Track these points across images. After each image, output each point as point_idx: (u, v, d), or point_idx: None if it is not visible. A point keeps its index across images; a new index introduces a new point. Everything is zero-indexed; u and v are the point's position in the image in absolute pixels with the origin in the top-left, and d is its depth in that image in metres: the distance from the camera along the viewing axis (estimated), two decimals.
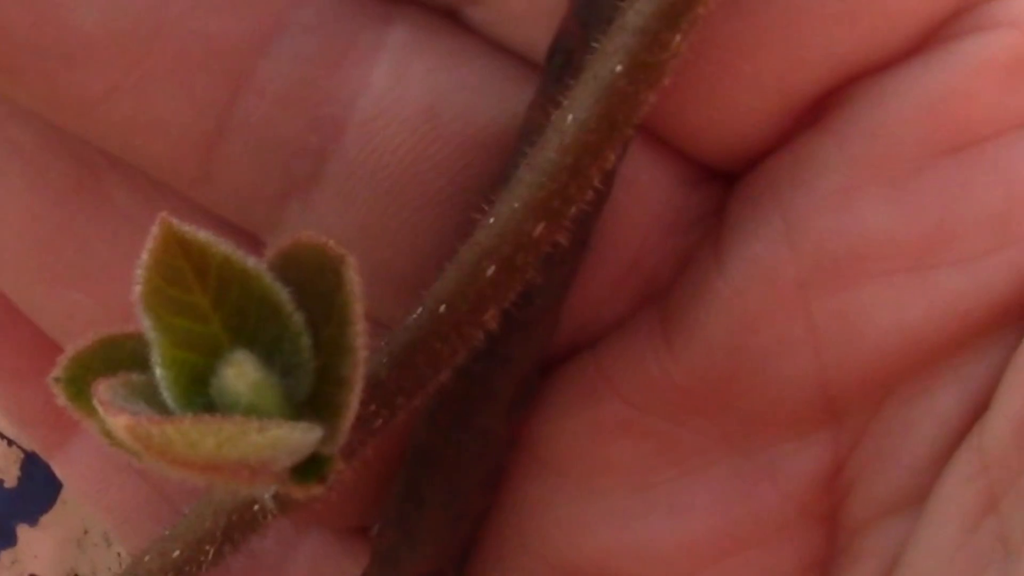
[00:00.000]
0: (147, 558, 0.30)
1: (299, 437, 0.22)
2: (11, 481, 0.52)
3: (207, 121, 0.28)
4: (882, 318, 0.26)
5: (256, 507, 0.28)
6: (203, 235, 0.23)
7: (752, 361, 0.27)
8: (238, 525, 0.29)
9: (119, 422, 0.22)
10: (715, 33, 0.25)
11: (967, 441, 0.26)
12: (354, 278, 0.23)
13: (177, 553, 0.30)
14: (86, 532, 0.52)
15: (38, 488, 0.45)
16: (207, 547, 0.29)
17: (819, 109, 0.27)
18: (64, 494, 0.51)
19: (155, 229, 0.23)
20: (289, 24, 0.27)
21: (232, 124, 0.28)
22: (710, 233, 0.28)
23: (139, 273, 0.23)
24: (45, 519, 0.52)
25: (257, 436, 0.22)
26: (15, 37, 0.27)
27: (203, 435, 0.21)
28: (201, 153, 0.28)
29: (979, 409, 0.26)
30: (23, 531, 0.53)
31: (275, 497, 0.26)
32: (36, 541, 0.53)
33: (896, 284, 0.26)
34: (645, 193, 0.28)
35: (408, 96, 0.27)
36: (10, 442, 0.51)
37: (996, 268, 0.26)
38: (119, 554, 0.53)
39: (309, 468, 0.24)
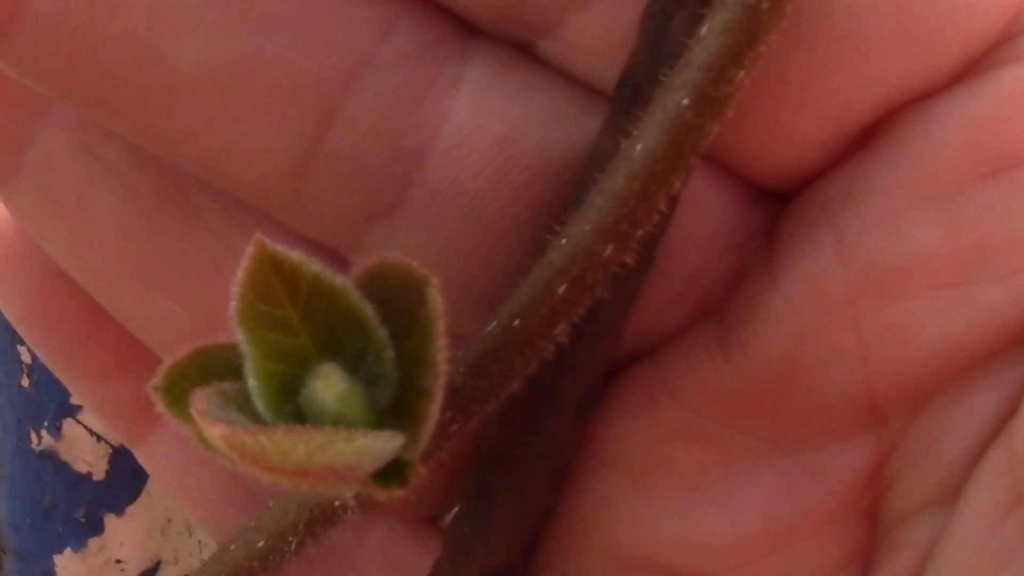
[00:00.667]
0: (233, 547, 0.32)
1: (383, 445, 0.24)
2: (99, 474, 0.53)
3: (297, 152, 0.29)
4: (926, 330, 0.28)
5: (337, 503, 0.30)
6: (295, 255, 0.24)
7: (803, 370, 0.28)
8: (320, 519, 0.30)
9: (215, 432, 0.23)
10: (773, 64, 0.26)
11: (998, 441, 0.28)
12: (437, 297, 0.24)
13: (262, 543, 0.31)
14: (169, 521, 0.53)
15: (124, 480, 0.46)
16: (290, 539, 0.31)
17: (869, 134, 0.28)
18: (149, 486, 0.53)
19: (250, 249, 0.24)
20: (374, 61, 0.29)
21: (321, 155, 0.29)
22: (764, 250, 0.29)
23: (234, 290, 0.24)
24: (131, 509, 0.54)
25: (344, 444, 0.23)
26: (117, 77, 0.28)
27: (294, 444, 0.23)
28: (291, 181, 0.29)
29: (1011, 412, 0.28)
30: (110, 520, 0.54)
31: (357, 497, 0.27)
32: (122, 529, 0.54)
33: (940, 298, 0.27)
34: (704, 213, 0.29)
35: (486, 127, 0.29)
36: (99, 438, 0.52)
37: None
38: (200, 541, 0.54)
39: (390, 472, 0.25)
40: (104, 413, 0.35)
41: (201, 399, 0.24)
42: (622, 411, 0.30)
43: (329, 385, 0.24)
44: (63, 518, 0.54)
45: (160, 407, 0.25)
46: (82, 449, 0.50)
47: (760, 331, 0.29)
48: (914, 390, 0.28)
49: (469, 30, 0.30)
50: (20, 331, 0.35)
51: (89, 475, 0.54)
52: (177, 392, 0.26)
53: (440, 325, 0.24)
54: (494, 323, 0.27)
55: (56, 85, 0.29)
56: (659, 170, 0.25)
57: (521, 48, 0.29)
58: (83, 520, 0.54)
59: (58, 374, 0.35)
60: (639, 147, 0.25)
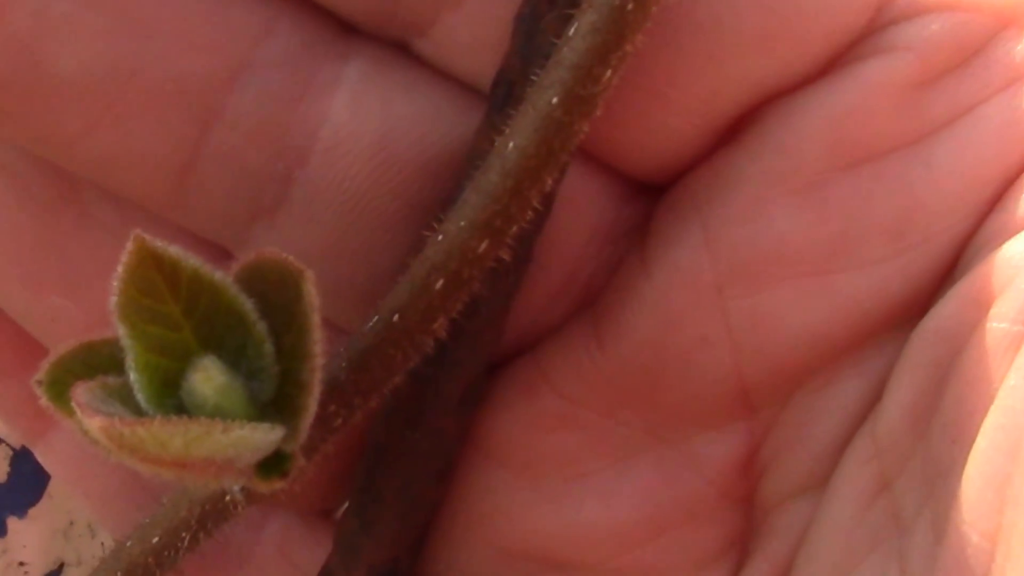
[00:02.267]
0: (129, 543, 0.32)
1: (261, 437, 0.24)
2: (1, 476, 0.53)
3: (181, 153, 0.30)
4: (791, 318, 0.28)
5: (227, 498, 0.30)
6: (174, 250, 0.25)
7: (675, 357, 0.29)
8: (211, 514, 0.30)
9: (94, 423, 0.23)
10: (641, 62, 0.27)
11: (863, 428, 0.28)
12: (312, 291, 0.25)
13: (157, 539, 0.31)
14: (72, 523, 0.53)
15: (26, 482, 0.46)
16: (184, 534, 0.31)
17: (736, 128, 0.29)
18: (50, 488, 0.53)
19: (129, 244, 0.24)
20: (254, 61, 0.29)
21: (204, 155, 0.30)
22: (638, 241, 0.30)
23: (115, 284, 0.25)
24: (33, 511, 0.53)
25: (222, 436, 0.24)
26: None
27: (172, 435, 0.23)
28: (175, 181, 0.30)
29: (876, 400, 0.28)
30: (12, 523, 0.54)
31: (243, 490, 0.28)
32: (25, 532, 0.54)
33: (803, 287, 0.28)
34: (581, 209, 0.30)
35: (364, 127, 0.29)
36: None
37: (892, 273, 0.28)
38: (103, 544, 0.54)
39: (272, 464, 0.26)
40: (2, 412, 0.35)
41: (82, 392, 0.24)
42: (503, 403, 0.31)
43: (208, 378, 0.25)
44: None
45: (44, 401, 0.26)
46: None
47: (632, 319, 0.29)
48: (782, 378, 0.29)
49: (347, 30, 0.30)
50: None
51: None
52: (61, 387, 0.26)
53: (316, 319, 0.25)
54: (375, 319, 0.27)
55: None
56: (531, 167, 0.25)
57: (399, 47, 0.30)
58: None
59: None
60: (511, 145, 0.25)
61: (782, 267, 0.28)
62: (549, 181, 0.26)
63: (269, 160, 0.30)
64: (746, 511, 0.30)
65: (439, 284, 0.26)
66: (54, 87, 0.29)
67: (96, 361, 0.26)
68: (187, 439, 0.23)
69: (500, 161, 0.26)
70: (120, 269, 0.25)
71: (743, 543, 0.31)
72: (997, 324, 0.26)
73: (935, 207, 0.28)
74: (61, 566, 0.55)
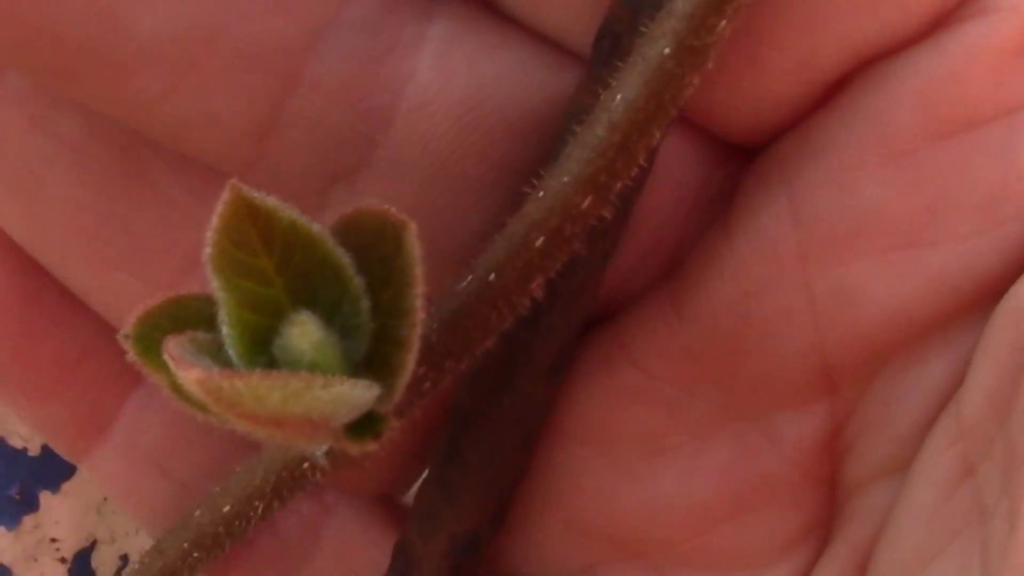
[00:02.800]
0: (198, 513, 0.32)
1: (359, 394, 0.23)
2: (34, 450, 0.52)
3: (261, 115, 0.29)
4: (877, 292, 0.27)
5: (305, 465, 0.29)
6: (271, 201, 0.24)
7: (755, 329, 0.28)
8: (287, 482, 0.30)
9: (190, 376, 0.22)
10: (742, 23, 0.26)
11: (947, 410, 0.28)
12: (415, 243, 0.24)
13: (228, 508, 0.31)
14: (106, 499, 0.52)
15: (60, 456, 0.45)
16: (256, 503, 0.30)
17: (832, 91, 0.28)
18: None
19: (225, 194, 0.24)
20: (337, 22, 0.28)
21: (285, 117, 0.29)
22: (723, 207, 0.29)
23: (209, 236, 0.24)
24: (67, 486, 0.53)
25: (321, 392, 0.23)
26: (75, 44, 0.28)
27: (270, 389, 0.22)
28: (254, 143, 0.29)
29: (961, 380, 0.27)
30: (45, 498, 0.53)
31: (327, 454, 0.27)
32: (57, 507, 0.53)
33: (891, 260, 0.27)
34: (668, 172, 0.29)
35: (451, 86, 0.28)
36: None
37: (986, 247, 0.27)
38: None
39: (363, 425, 0.25)
40: (45, 432, 0.35)
41: (175, 346, 0.24)
42: (581, 376, 0.30)
43: (305, 332, 0.24)
44: None
45: (131, 356, 0.25)
46: (17, 423, 0.48)
47: (711, 288, 0.29)
48: (867, 356, 0.28)
49: None
50: None
51: (24, 450, 0.52)
52: (148, 341, 0.25)
53: (418, 272, 0.24)
54: (469, 278, 0.27)
55: (11, 55, 0.29)
56: (640, 120, 0.25)
57: (484, 3, 0.29)
58: (18, 497, 0.53)
59: None
60: (619, 97, 0.25)
61: (869, 238, 0.27)
62: (657, 135, 0.25)
63: (352, 122, 0.29)
64: (829, 494, 0.30)
65: (539, 242, 0.26)
66: (131, 51, 0.28)
67: (184, 316, 0.25)
68: (286, 394, 0.23)
69: (607, 114, 0.25)
70: (214, 219, 0.24)
71: (826, 526, 0.30)
72: None
73: None
74: (94, 543, 0.54)
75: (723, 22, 0.24)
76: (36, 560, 0.53)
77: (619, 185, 0.25)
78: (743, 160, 0.29)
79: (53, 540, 0.53)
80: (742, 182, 0.29)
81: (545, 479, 0.31)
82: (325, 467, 0.28)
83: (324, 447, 0.27)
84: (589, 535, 0.31)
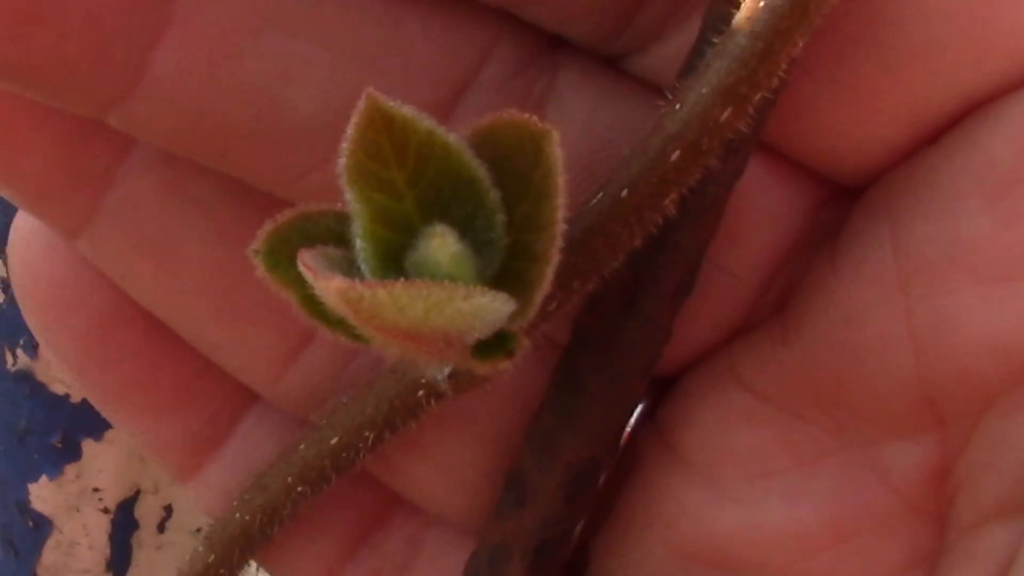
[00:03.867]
0: (302, 447, 0.31)
1: (499, 307, 0.23)
2: (77, 396, 0.52)
3: None
4: (976, 324, 0.27)
5: (420, 393, 0.29)
6: (407, 110, 0.24)
7: (857, 356, 0.28)
8: (400, 410, 0.29)
9: (331, 286, 0.22)
10: (848, 70, 0.27)
11: None
12: (557, 152, 0.23)
13: (336, 440, 0.30)
14: None
15: None
16: (367, 433, 0.30)
17: (940, 132, 0.28)
18: None
19: (360, 104, 0.23)
20: (475, 83, 0.29)
21: None
22: (831, 239, 0.29)
23: (343, 147, 0.24)
24: (109, 434, 0.52)
25: (462, 303, 0.22)
26: (236, 129, 0.28)
27: (413, 299, 0.22)
28: None
29: None
30: (88, 446, 0.52)
31: (451, 376, 0.27)
32: (100, 456, 0.52)
33: (990, 293, 0.27)
34: (784, 213, 0.29)
35: (570, 133, 0.28)
36: None
37: None
38: None
39: (493, 345, 0.24)
40: (156, 451, 0.35)
41: (311, 257, 0.23)
42: (692, 398, 0.31)
43: (443, 245, 0.24)
44: (39, 444, 0.52)
45: (260, 271, 0.25)
46: (59, 369, 0.48)
47: (815, 314, 0.29)
48: (972, 391, 0.28)
49: (559, 42, 0.30)
50: (73, 374, 0.34)
51: (67, 397, 0.52)
52: (277, 257, 0.25)
53: (559, 182, 0.24)
54: (600, 195, 0.26)
55: (171, 140, 0.29)
56: (784, 28, 0.24)
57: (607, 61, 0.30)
58: (59, 445, 0.52)
59: (109, 414, 0.35)
60: (762, 4, 0.24)
61: (968, 270, 0.27)
62: (800, 44, 0.24)
63: None
64: (937, 528, 0.29)
65: (675, 155, 0.25)
66: (290, 128, 0.28)
67: (314, 232, 0.25)
68: (428, 304, 0.22)
69: (750, 22, 0.24)
70: (350, 130, 0.24)
71: (931, 563, 0.29)
72: None
73: None
74: (137, 493, 0.53)
75: None
76: (78, 511, 0.53)
77: (759, 97, 0.25)
78: (852, 200, 0.29)
79: (96, 490, 0.53)
80: (850, 216, 0.29)
81: (648, 499, 0.31)
82: (446, 391, 0.27)
83: (448, 369, 0.27)
84: (689, 556, 0.31)
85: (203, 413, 0.34)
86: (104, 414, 0.35)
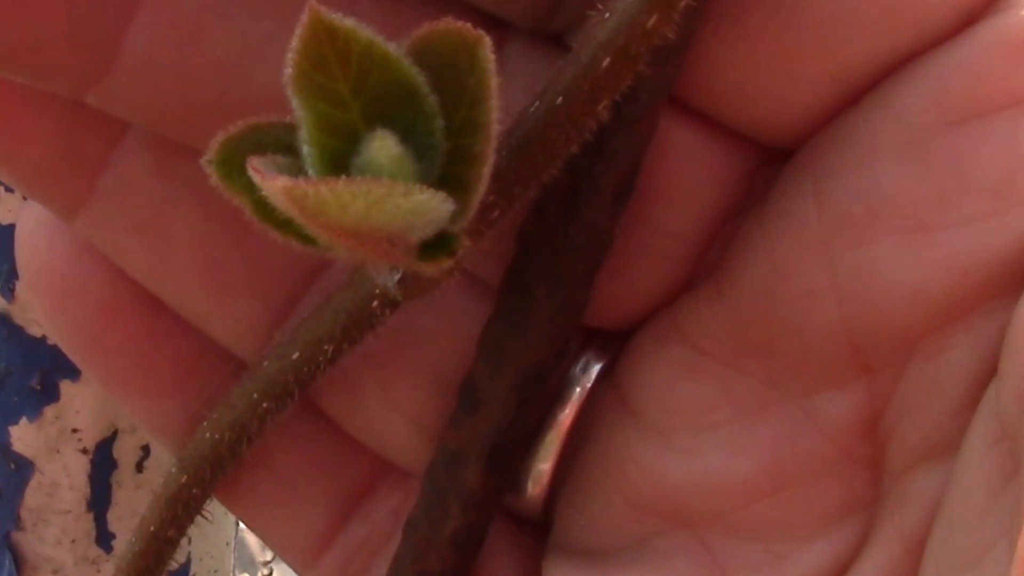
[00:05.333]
0: (266, 363, 0.32)
1: (437, 205, 0.24)
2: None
3: None
4: (894, 273, 0.29)
5: (375, 303, 0.30)
6: (348, 22, 0.25)
7: (786, 308, 0.30)
8: (356, 322, 0.31)
9: (277, 185, 0.23)
10: (772, 42, 0.29)
11: (984, 404, 0.28)
12: (489, 57, 0.25)
13: (297, 355, 0.32)
14: None
15: None
16: (326, 346, 0.31)
17: (861, 94, 0.30)
18: None
19: (304, 16, 0.25)
20: None
21: None
22: (761, 197, 0.31)
23: (289, 58, 0.25)
24: (87, 375, 0.53)
25: (402, 199, 0.24)
26: (204, 104, 0.31)
27: (354, 196, 0.23)
28: None
29: (991, 366, 0.28)
30: (66, 386, 0.53)
31: (400, 283, 0.28)
32: (78, 396, 0.53)
33: (905, 242, 0.29)
34: (719, 176, 0.31)
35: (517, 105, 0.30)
36: None
37: (994, 231, 0.28)
38: None
39: (438, 245, 0.26)
40: (158, 430, 0.36)
41: (259, 162, 0.24)
42: (641, 356, 0.32)
43: (384, 147, 0.25)
44: (18, 386, 0.53)
45: (214, 179, 0.26)
46: (36, 311, 0.49)
47: (745, 269, 0.30)
48: (895, 338, 0.29)
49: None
50: (77, 360, 0.36)
51: (44, 339, 0.53)
52: (231, 166, 0.26)
53: (493, 85, 0.25)
54: (536, 104, 0.27)
55: (146, 117, 0.31)
56: None
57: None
58: (38, 387, 0.53)
59: (113, 395, 0.36)
60: None
61: (885, 221, 0.29)
62: None
63: None
64: (873, 474, 0.31)
65: (606, 62, 0.26)
66: (255, 101, 0.29)
67: (264, 141, 0.26)
68: (368, 201, 0.23)
69: None
70: (294, 42, 0.25)
71: (869, 508, 0.31)
72: None
73: None
74: (115, 433, 0.54)
75: None
76: (59, 451, 0.54)
77: (683, 3, 0.26)
78: (783, 162, 0.31)
79: (75, 431, 0.54)
80: (779, 177, 0.31)
81: (605, 453, 0.33)
82: (397, 298, 0.28)
83: (397, 275, 0.28)
84: (642, 507, 0.32)
85: (202, 393, 0.35)
86: (107, 394, 0.37)
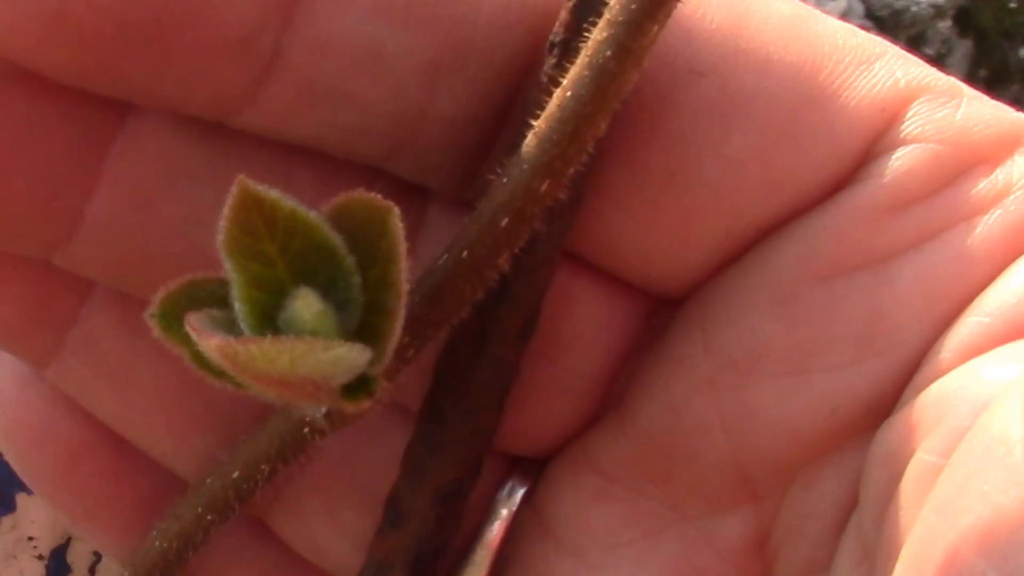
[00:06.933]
0: (209, 480, 0.35)
1: (354, 356, 0.27)
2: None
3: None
4: (773, 412, 0.32)
5: (306, 429, 0.33)
6: (274, 193, 0.28)
7: (679, 440, 0.33)
8: (290, 445, 0.34)
9: (211, 343, 0.26)
10: (665, 207, 0.32)
11: (849, 530, 0.32)
12: (398, 224, 0.28)
13: (236, 473, 0.35)
14: None
15: None
16: (263, 466, 0.34)
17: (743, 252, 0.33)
18: None
19: (234, 188, 0.28)
20: None
21: None
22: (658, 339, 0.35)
23: (221, 224, 0.28)
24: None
25: (322, 354, 0.27)
26: (161, 265, 0.34)
27: (279, 352, 0.26)
28: None
29: (855, 497, 0.32)
30: (22, 499, 0.55)
31: (327, 415, 0.31)
32: (34, 508, 0.56)
33: (781, 385, 0.32)
34: (620, 324, 0.35)
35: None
36: None
37: (859, 376, 0.31)
38: None
39: (358, 387, 0.29)
40: (123, 559, 0.39)
41: (195, 319, 0.27)
42: (557, 482, 0.36)
43: (307, 304, 0.28)
44: None
45: (155, 332, 0.29)
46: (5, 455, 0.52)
47: (646, 404, 0.34)
48: (776, 469, 0.33)
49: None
50: (47, 499, 0.40)
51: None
52: (170, 319, 0.29)
53: (402, 249, 0.28)
54: (445, 256, 0.30)
55: (109, 275, 0.34)
56: (587, 113, 0.29)
57: None
58: None
59: (81, 531, 0.40)
60: (569, 94, 0.29)
61: (764, 365, 0.32)
62: (602, 126, 0.29)
63: None
64: None
65: (504, 222, 0.30)
66: (209, 265, 0.31)
67: (200, 296, 0.29)
68: (293, 356, 0.26)
69: (559, 110, 0.29)
70: (225, 210, 0.28)
71: None
72: (927, 456, 0.29)
73: (897, 319, 0.31)
74: (68, 540, 0.57)
75: (655, 27, 0.28)
76: (15, 558, 0.56)
77: (572, 170, 0.29)
78: (675, 308, 0.35)
79: (31, 539, 0.56)
80: (672, 322, 0.34)
81: (526, 571, 0.36)
82: (325, 428, 0.31)
83: (324, 409, 0.31)
84: None
85: None
86: (79, 530, 0.40)
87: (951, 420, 0.29)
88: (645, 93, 0.32)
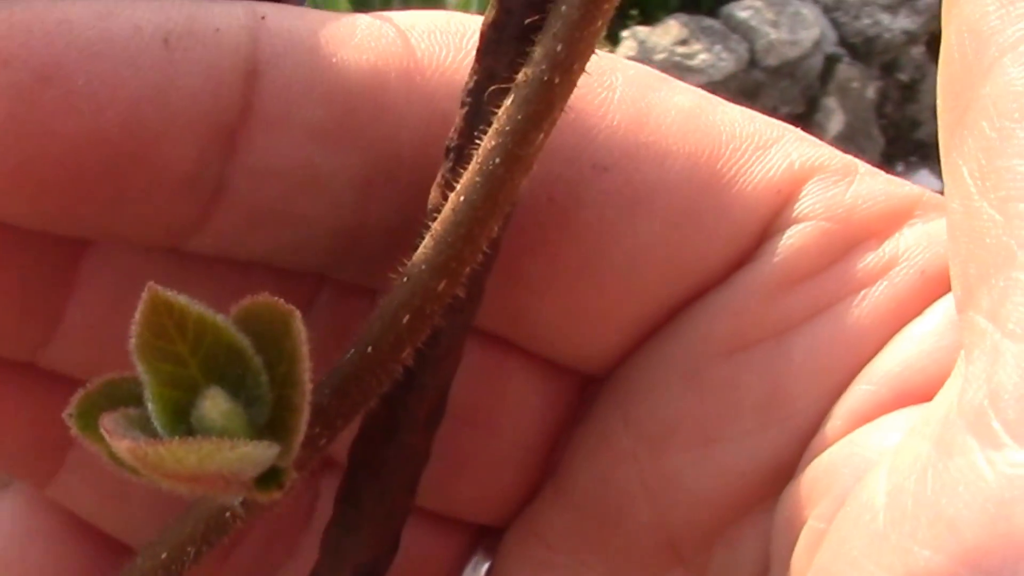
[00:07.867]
0: (140, 560, 0.37)
1: (261, 453, 0.29)
2: None
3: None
4: (689, 480, 0.34)
5: (227, 514, 0.35)
6: (182, 298, 0.29)
7: (609, 509, 0.35)
8: (213, 528, 0.35)
9: (122, 446, 0.28)
10: (578, 293, 0.34)
11: None
12: (300, 327, 0.29)
13: (164, 555, 0.36)
14: None
15: None
16: (189, 548, 0.35)
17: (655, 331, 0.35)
18: None
19: (144, 295, 0.29)
20: (314, 306, 0.38)
21: None
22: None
23: (133, 329, 0.29)
24: None
25: (229, 452, 0.28)
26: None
27: (187, 453, 0.28)
28: None
29: (767, 561, 0.33)
30: None
31: (243, 504, 0.32)
32: None
33: (694, 454, 0.34)
34: (552, 401, 0.37)
35: None
36: None
37: (762, 444, 0.33)
38: None
39: (270, 478, 0.30)
40: None
41: (109, 421, 0.29)
42: (508, 553, 0.38)
43: (215, 404, 0.29)
44: None
45: (74, 431, 0.30)
46: None
47: (575, 474, 0.36)
48: (697, 533, 0.34)
49: None
50: None
51: None
52: (88, 418, 0.30)
53: (304, 350, 0.29)
54: (352, 351, 0.32)
55: (89, 376, 0.35)
56: (479, 217, 0.30)
57: None
58: None
59: None
60: (462, 199, 0.30)
61: (677, 436, 0.34)
62: (495, 228, 0.31)
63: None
64: None
65: (406, 319, 0.31)
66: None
67: (118, 395, 0.30)
68: (200, 456, 0.28)
69: (453, 214, 0.30)
70: (137, 316, 0.29)
71: None
72: (815, 523, 0.31)
73: (793, 389, 0.33)
74: None
75: (541, 135, 0.30)
76: None
77: (468, 270, 0.31)
78: (601, 384, 0.36)
79: None
80: (596, 398, 0.36)
81: None
82: (242, 515, 0.33)
83: (239, 498, 0.32)
84: None
85: None
86: None
87: (835, 488, 0.31)
88: (555, 189, 0.33)
